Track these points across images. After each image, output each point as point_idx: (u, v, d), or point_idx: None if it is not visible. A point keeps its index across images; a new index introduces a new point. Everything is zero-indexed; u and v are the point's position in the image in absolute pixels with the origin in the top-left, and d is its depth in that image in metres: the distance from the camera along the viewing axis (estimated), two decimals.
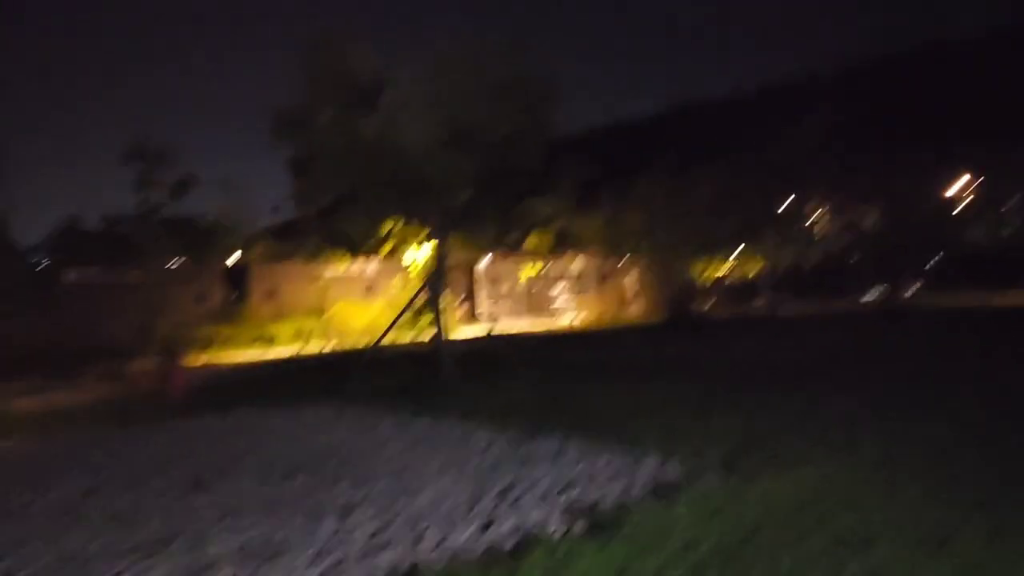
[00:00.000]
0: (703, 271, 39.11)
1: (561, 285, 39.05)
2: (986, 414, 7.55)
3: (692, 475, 5.79)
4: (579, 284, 38.93)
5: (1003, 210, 40.56)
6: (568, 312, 37.49)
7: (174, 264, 29.15)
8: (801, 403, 8.78)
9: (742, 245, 36.96)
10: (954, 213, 40.75)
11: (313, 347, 24.72)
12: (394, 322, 15.37)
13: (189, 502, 6.07)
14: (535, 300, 38.23)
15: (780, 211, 30.85)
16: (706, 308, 35.12)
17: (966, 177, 43.02)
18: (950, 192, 43.31)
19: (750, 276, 41.40)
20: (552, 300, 38.80)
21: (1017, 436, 6.51)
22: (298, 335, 27.69)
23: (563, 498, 5.48)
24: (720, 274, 41.19)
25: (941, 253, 39.53)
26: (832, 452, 6.27)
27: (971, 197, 42.99)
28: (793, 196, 33.63)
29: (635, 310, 37.61)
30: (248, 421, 10.21)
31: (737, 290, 41.03)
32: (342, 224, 25.08)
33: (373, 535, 4.94)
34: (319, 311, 29.25)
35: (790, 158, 27.14)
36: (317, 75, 13.02)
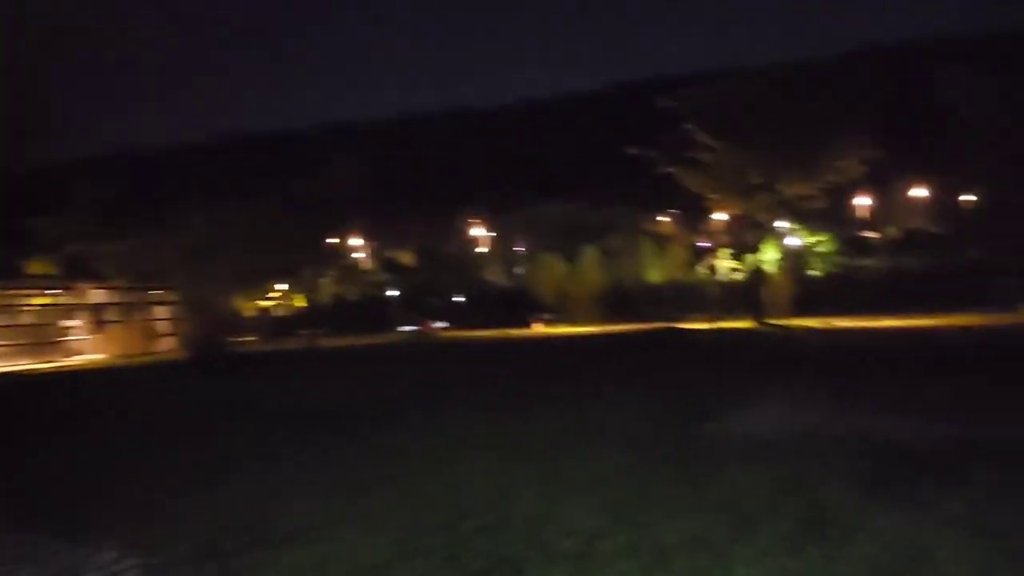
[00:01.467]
0: (245, 304, 37.55)
1: (78, 319, 34.08)
2: (499, 467, 7.00)
3: (155, 574, 4.62)
4: (100, 317, 34.35)
5: (512, 257, 46.55)
6: (85, 349, 32.86)
7: None
8: (314, 458, 8.07)
9: (286, 279, 36.41)
10: (476, 258, 45.45)
11: None
12: None
13: None
14: (43, 336, 32.70)
15: (322, 248, 30.90)
16: (245, 342, 33.48)
17: (486, 227, 48.33)
18: (473, 239, 48.25)
19: (293, 310, 40.86)
20: (65, 335, 33.64)
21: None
22: None
23: None
24: (263, 307, 39.91)
25: (467, 292, 43.60)
26: (332, 520, 5.53)
27: (490, 245, 48.40)
28: (335, 235, 34.09)
29: (167, 345, 34.44)
30: None
31: (280, 323, 40.10)
32: None
33: None
34: None
35: (331, 198, 27.35)
36: None
